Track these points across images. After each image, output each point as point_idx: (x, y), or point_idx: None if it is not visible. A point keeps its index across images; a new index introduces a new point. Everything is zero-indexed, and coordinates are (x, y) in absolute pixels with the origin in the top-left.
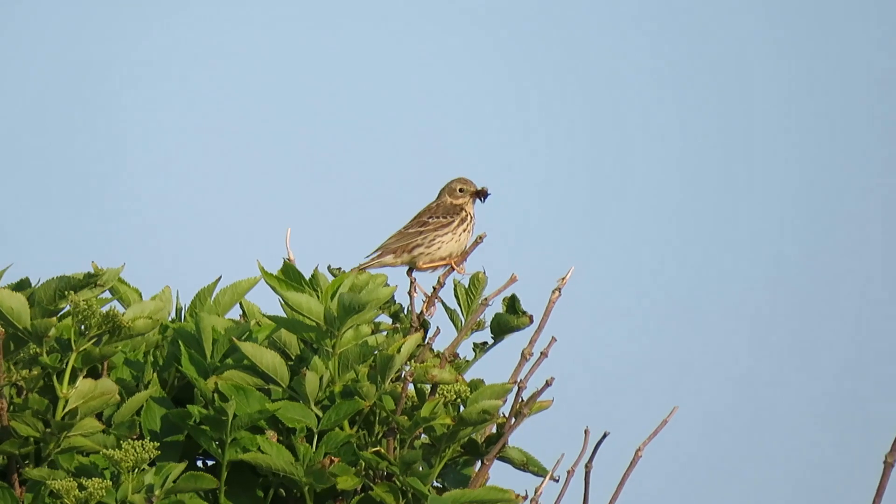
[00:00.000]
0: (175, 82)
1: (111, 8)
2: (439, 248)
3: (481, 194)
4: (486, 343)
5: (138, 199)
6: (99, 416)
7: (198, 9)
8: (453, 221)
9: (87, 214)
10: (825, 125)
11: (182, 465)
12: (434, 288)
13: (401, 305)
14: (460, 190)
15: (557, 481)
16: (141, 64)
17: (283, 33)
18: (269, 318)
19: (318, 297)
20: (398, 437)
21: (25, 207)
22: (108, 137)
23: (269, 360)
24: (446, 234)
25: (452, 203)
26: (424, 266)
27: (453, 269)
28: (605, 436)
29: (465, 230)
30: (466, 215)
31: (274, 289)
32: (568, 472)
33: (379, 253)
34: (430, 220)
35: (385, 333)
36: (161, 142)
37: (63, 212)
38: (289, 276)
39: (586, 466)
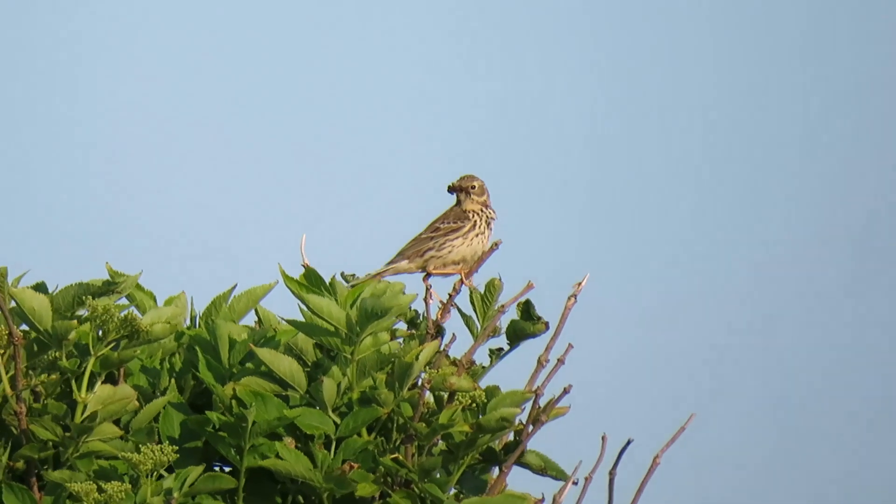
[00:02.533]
0: (189, 87)
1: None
2: (450, 252)
3: (453, 189)
4: (501, 349)
5: (152, 205)
6: (117, 423)
7: (219, 18)
8: (464, 226)
9: (102, 220)
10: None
11: (200, 468)
12: (449, 294)
13: (416, 312)
14: (448, 190)
15: (577, 484)
16: (158, 68)
17: (302, 39)
18: (289, 322)
19: (336, 302)
20: (416, 443)
21: (40, 213)
22: (123, 143)
23: (287, 366)
24: (457, 238)
25: (462, 209)
26: (436, 271)
27: (462, 281)
28: (628, 443)
29: (477, 234)
30: (474, 216)
31: (295, 293)
32: (586, 478)
33: (395, 260)
34: (442, 225)
35: (401, 340)
36: (176, 148)
37: (77, 217)
38: (310, 280)
39: (610, 473)
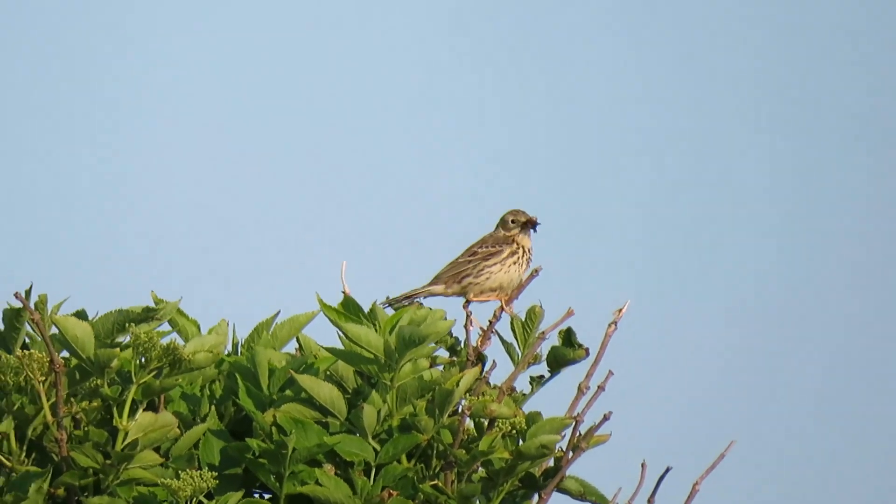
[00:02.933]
0: (234, 114)
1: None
2: (488, 279)
3: (530, 224)
4: (542, 376)
5: (196, 234)
6: (157, 450)
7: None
8: (502, 251)
9: (143, 247)
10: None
11: (240, 494)
12: (490, 321)
13: (457, 339)
14: (512, 221)
15: None
16: (199, 92)
17: (339, 65)
18: (328, 349)
19: (375, 330)
20: (456, 470)
21: (81, 238)
22: (165, 171)
23: (327, 393)
24: (494, 264)
25: (505, 235)
26: (475, 298)
27: (503, 308)
28: (667, 470)
29: (514, 262)
30: (518, 247)
31: (333, 321)
32: None
33: (431, 282)
34: (480, 249)
35: (441, 367)
36: (218, 176)
37: (119, 243)
38: (348, 308)
39: (649, 500)
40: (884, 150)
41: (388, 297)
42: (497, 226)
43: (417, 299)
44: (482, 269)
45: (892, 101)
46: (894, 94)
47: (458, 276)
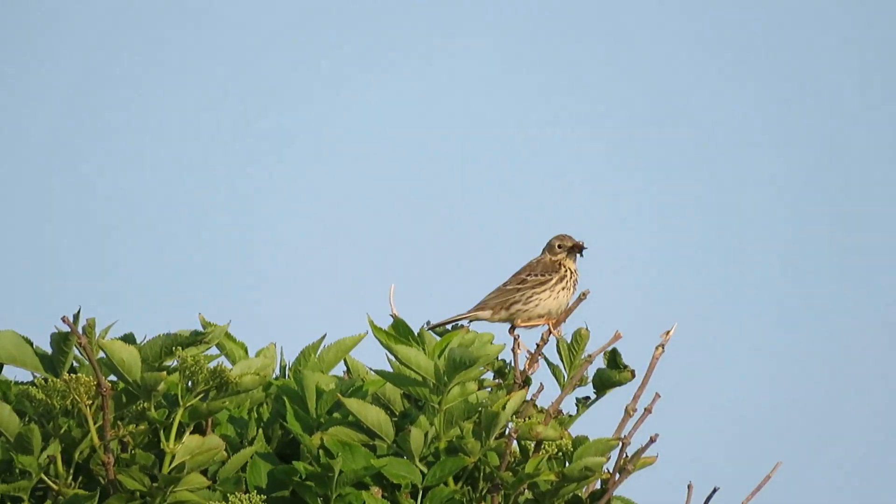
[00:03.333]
0: (274, 138)
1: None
2: (537, 306)
3: (577, 248)
4: (588, 398)
5: (244, 258)
6: (204, 473)
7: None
8: (551, 279)
9: (195, 272)
10: None
11: None
12: (537, 345)
13: (504, 362)
14: (559, 246)
15: None
16: (244, 126)
17: (378, 94)
18: (377, 372)
19: (424, 352)
20: (502, 493)
21: (131, 264)
22: (212, 196)
23: (374, 416)
24: (544, 291)
25: (552, 260)
26: (522, 324)
27: (550, 332)
28: (714, 491)
29: (563, 287)
30: (566, 271)
31: (383, 343)
32: None
33: (477, 307)
34: (529, 277)
35: (489, 390)
36: (264, 199)
37: (168, 268)
38: (399, 331)
39: None
40: None
41: (428, 322)
42: (544, 250)
43: (462, 323)
44: (531, 297)
45: None
46: None
47: (506, 303)
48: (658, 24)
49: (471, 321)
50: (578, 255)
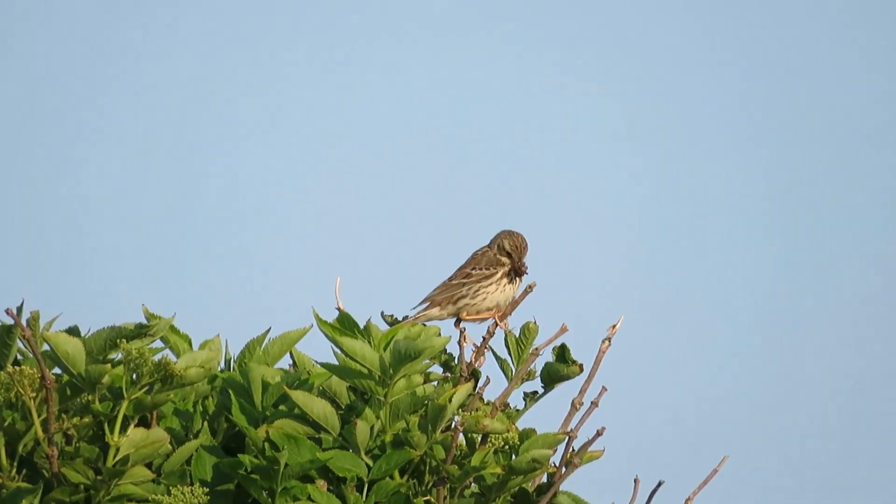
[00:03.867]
0: (229, 127)
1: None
2: (485, 299)
3: (517, 272)
4: (536, 392)
5: (187, 249)
6: (149, 466)
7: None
8: (496, 272)
9: (139, 265)
10: None
11: None
12: (484, 338)
13: (451, 355)
14: (508, 254)
15: None
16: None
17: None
18: (322, 365)
19: (370, 345)
20: (448, 486)
21: (75, 255)
22: (158, 187)
23: (320, 408)
24: (490, 284)
25: (497, 256)
26: (469, 317)
27: (497, 324)
28: (659, 485)
29: (510, 281)
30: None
31: (329, 336)
32: None
33: (425, 306)
34: (474, 271)
35: (436, 383)
36: (209, 193)
37: (113, 259)
38: (344, 324)
39: None
40: None
41: (392, 316)
42: (493, 243)
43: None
44: (478, 291)
45: None
46: None
47: (453, 298)
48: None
49: (425, 321)
50: (516, 276)
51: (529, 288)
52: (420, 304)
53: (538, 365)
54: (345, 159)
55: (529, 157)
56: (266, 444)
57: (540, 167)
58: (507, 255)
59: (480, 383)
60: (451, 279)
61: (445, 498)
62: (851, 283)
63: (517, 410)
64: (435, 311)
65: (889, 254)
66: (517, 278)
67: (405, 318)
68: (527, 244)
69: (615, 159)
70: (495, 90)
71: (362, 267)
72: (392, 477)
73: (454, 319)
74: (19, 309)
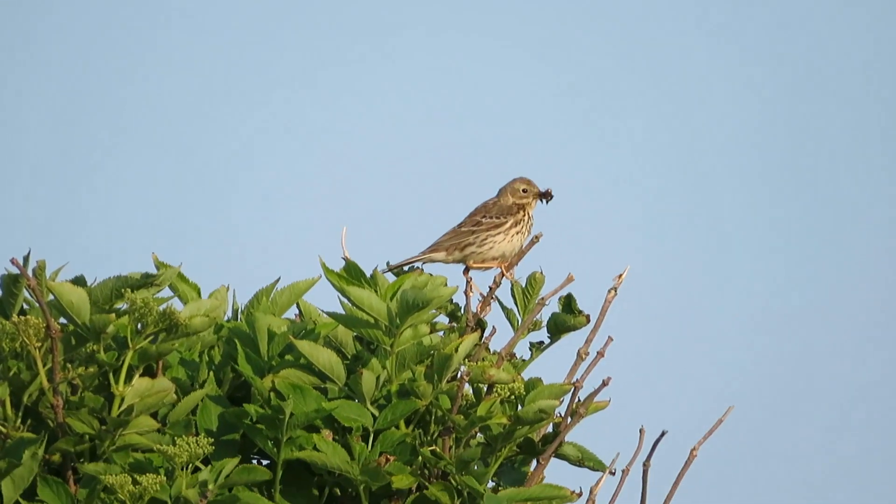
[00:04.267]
0: (226, 88)
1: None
2: (491, 248)
3: (546, 196)
4: (542, 342)
5: (198, 201)
6: (154, 416)
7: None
8: (506, 222)
9: (146, 214)
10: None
11: (236, 460)
12: (490, 288)
13: (457, 305)
14: (524, 190)
15: (614, 475)
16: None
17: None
18: (329, 314)
19: (377, 295)
20: (454, 436)
21: (83, 203)
22: (169, 140)
23: (326, 358)
24: (498, 234)
25: (514, 202)
26: (475, 265)
27: (503, 275)
28: (662, 434)
29: (518, 231)
30: (523, 216)
31: (336, 286)
32: (623, 470)
33: (431, 249)
34: (484, 219)
35: (442, 333)
36: (220, 147)
37: (122, 210)
38: (351, 273)
39: (644, 465)
40: None
41: (388, 263)
42: (503, 192)
43: (417, 265)
44: (486, 239)
45: None
46: None
47: (460, 245)
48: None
49: (426, 263)
50: (545, 202)
51: (536, 238)
52: (428, 248)
53: (544, 315)
54: (352, 109)
55: (535, 110)
56: (272, 394)
57: (546, 118)
58: (525, 193)
59: (486, 333)
60: (460, 225)
61: (451, 448)
62: (859, 235)
63: (523, 360)
64: (440, 254)
65: None
66: (546, 202)
67: (411, 259)
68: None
69: (622, 109)
70: (505, 38)
71: (369, 218)
72: (397, 427)
73: (462, 268)
74: (25, 258)
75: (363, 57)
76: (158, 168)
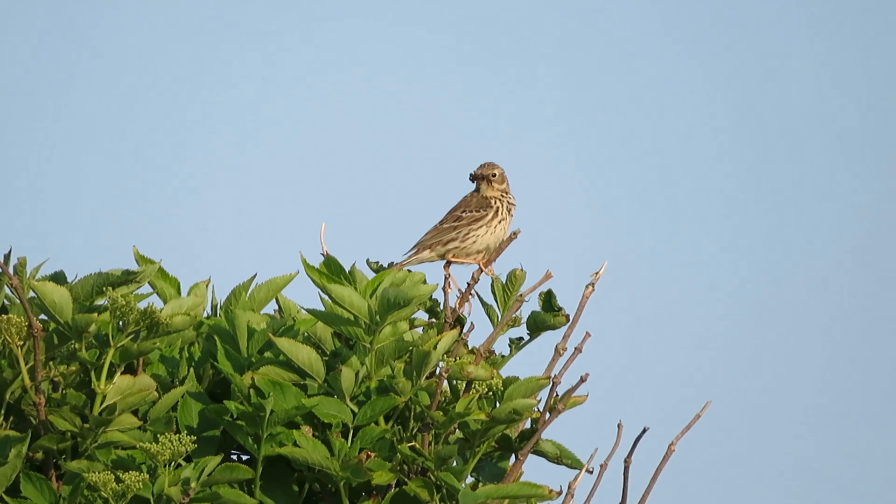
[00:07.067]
0: (210, 83)
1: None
2: (474, 242)
3: (472, 178)
4: (521, 339)
5: (176, 195)
6: (135, 413)
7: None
8: (487, 214)
9: (126, 210)
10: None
11: (218, 458)
12: (468, 284)
13: (436, 301)
14: (469, 178)
15: (592, 473)
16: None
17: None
18: (309, 311)
19: (357, 292)
20: (433, 432)
21: (64, 200)
22: (149, 137)
23: (305, 355)
24: (480, 227)
25: (483, 196)
26: (455, 259)
27: (482, 271)
28: (644, 431)
29: (500, 221)
30: (496, 203)
31: (316, 282)
32: (601, 465)
33: (416, 250)
34: (464, 214)
35: (420, 330)
36: (200, 140)
37: (102, 206)
38: (331, 269)
39: (625, 461)
40: None
41: (378, 263)
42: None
43: (407, 269)
44: (468, 234)
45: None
46: None
47: (443, 241)
48: None
49: (416, 265)
50: (486, 183)
51: (514, 235)
52: (411, 249)
53: (524, 312)
54: (334, 102)
55: (515, 104)
56: (251, 391)
57: (526, 114)
58: (472, 182)
59: (465, 330)
60: (441, 222)
61: (430, 444)
62: (837, 233)
63: (502, 357)
64: (426, 254)
65: None
66: (476, 183)
67: (391, 264)
68: (490, 163)
69: (599, 103)
70: (487, 29)
71: (349, 214)
72: (377, 423)
73: (444, 262)
74: (7, 256)
75: (340, 53)
76: (132, 161)
